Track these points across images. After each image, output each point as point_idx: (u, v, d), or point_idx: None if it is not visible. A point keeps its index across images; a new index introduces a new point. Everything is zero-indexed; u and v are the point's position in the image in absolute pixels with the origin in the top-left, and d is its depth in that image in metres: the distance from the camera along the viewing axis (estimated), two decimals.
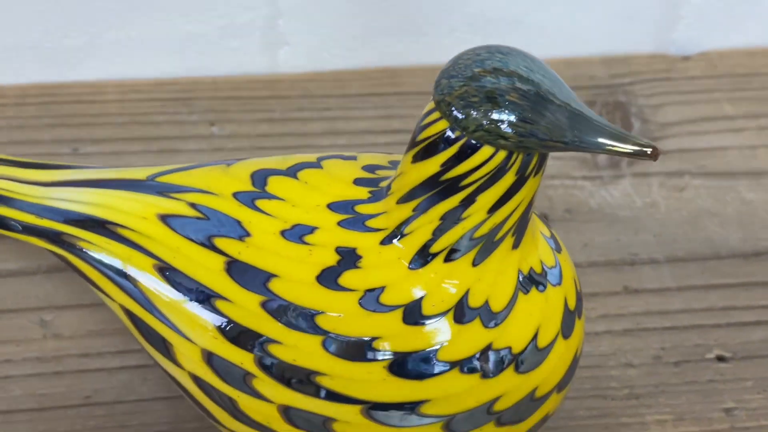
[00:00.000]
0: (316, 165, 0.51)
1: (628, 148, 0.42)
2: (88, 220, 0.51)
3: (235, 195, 0.50)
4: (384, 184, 0.49)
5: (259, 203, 0.49)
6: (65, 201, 0.52)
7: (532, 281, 0.47)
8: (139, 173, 0.53)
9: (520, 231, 0.46)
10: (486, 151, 0.43)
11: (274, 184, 0.50)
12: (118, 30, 0.68)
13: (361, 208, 0.48)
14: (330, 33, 0.70)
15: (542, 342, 0.47)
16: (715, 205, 0.66)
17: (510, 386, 0.47)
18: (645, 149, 0.42)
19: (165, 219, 0.50)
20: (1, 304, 0.59)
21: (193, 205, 0.50)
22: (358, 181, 0.50)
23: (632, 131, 0.69)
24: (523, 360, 0.47)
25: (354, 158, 0.52)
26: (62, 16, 0.67)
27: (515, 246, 0.47)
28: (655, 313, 0.60)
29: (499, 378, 0.47)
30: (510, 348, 0.47)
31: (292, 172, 0.51)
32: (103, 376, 0.57)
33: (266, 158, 0.53)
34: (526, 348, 0.47)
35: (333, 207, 0.48)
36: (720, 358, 0.59)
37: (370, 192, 0.49)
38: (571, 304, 0.49)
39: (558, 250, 0.50)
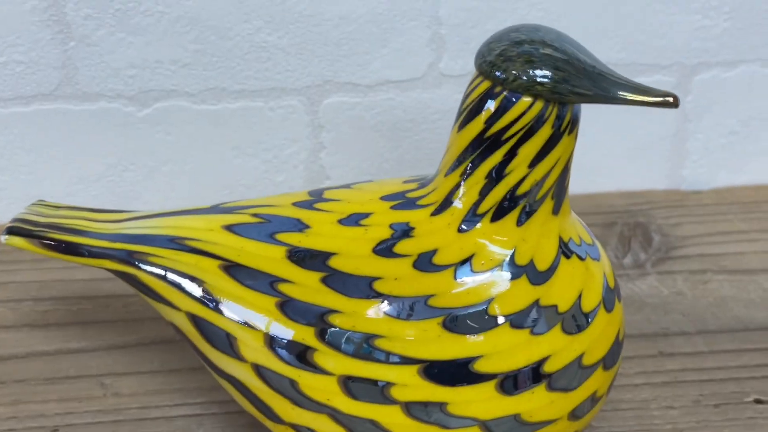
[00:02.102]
0: (368, 181, 0.56)
1: (650, 99, 0.47)
2: (158, 237, 0.55)
3: (294, 204, 0.54)
4: (430, 177, 0.53)
5: (317, 205, 0.54)
6: (136, 228, 0.56)
7: (572, 250, 0.51)
8: (205, 206, 0.57)
9: (559, 196, 0.50)
10: (524, 103, 0.48)
11: (329, 193, 0.55)
12: (174, 164, 0.75)
13: (412, 194, 0.53)
14: (368, 167, 0.76)
15: (586, 306, 0.50)
16: (739, 293, 0.69)
17: (558, 346, 0.49)
18: (666, 98, 0.47)
19: (229, 228, 0.54)
20: (63, 373, 0.62)
21: (255, 215, 0.54)
22: (407, 181, 0.54)
23: (653, 244, 0.74)
24: (568, 320, 0.50)
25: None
26: (125, 150, 0.74)
27: (555, 211, 0.51)
28: (691, 370, 0.63)
29: (547, 336, 0.49)
30: (556, 306, 0.50)
31: (345, 186, 0.56)
32: (161, 423, 0.58)
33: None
34: (570, 308, 0.50)
35: (385, 198, 0.53)
36: (758, 401, 0.60)
37: (418, 184, 0.53)
38: (611, 283, 0.52)
39: (595, 238, 0.54)
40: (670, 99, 0.47)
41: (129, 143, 0.74)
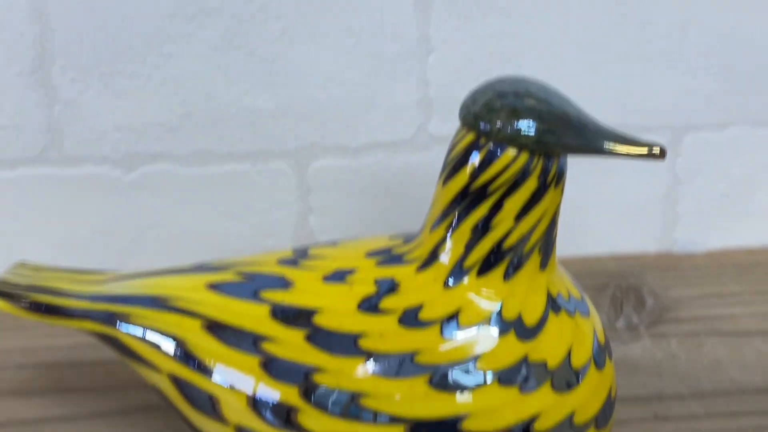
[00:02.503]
0: (353, 238, 0.55)
1: (636, 150, 0.47)
2: (140, 297, 0.54)
3: (279, 261, 0.54)
4: (416, 233, 0.52)
5: (302, 262, 0.53)
6: (118, 288, 0.55)
7: (561, 305, 0.50)
8: (190, 265, 0.56)
9: (546, 249, 0.50)
10: (509, 154, 0.48)
11: (314, 250, 0.54)
12: (161, 228, 0.74)
13: (398, 250, 0.52)
14: (357, 230, 0.75)
15: (576, 362, 0.49)
16: (734, 355, 0.68)
17: (547, 404, 0.48)
18: (653, 148, 0.47)
19: (213, 286, 0.53)
20: None
21: (239, 273, 0.53)
22: (393, 236, 0.54)
23: (646, 307, 0.73)
24: (558, 377, 0.49)
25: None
26: (110, 215, 0.73)
27: (542, 266, 0.50)
28: (687, 431, 0.61)
29: (536, 393, 0.48)
30: (545, 362, 0.48)
31: (331, 243, 0.55)
32: None
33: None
34: (560, 364, 0.49)
35: (371, 254, 0.52)
36: None
37: (404, 240, 0.53)
38: (601, 339, 0.51)
39: (584, 293, 0.53)
40: (656, 150, 0.46)
41: (115, 208, 0.73)
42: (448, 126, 0.73)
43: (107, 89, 0.69)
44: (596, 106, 0.74)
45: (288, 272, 0.52)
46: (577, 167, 0.75)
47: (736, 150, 0.77)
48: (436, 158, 0.74)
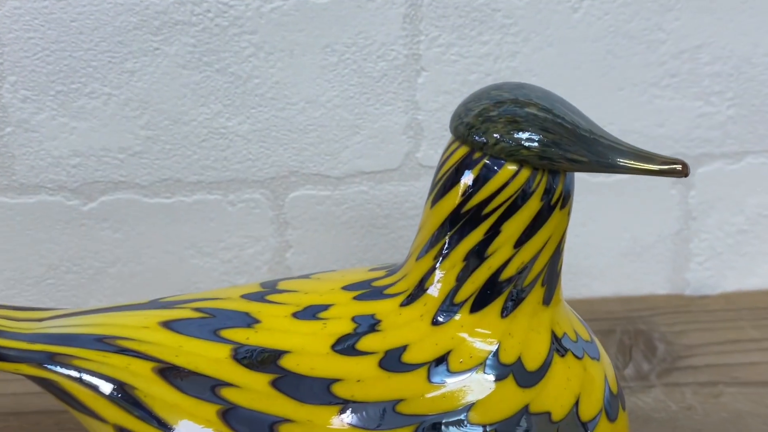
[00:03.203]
0: (330, 270, 0.49)
1: (654, 167, 0.40)
2: (84, 337, 0.47)
3: (243, 296, 0.47)
4: (400, 265, 0.46)
5: (269, 297, 0.46)
6: (60, 327, 0.48)
7: (567, 346, 0.43)
8: (143, 301, 0.50)
9: (550, 282, 0.43)
10: (508, 170, 0.41)
11: (284, 284, 0.48)
12: (123, 264, 0.67)
13: (379, 282, 0.45)
14: (341, 267, 0.69)
15: (585, 414, 0.43)
16: (756, 408, 0.61)
17: None
18: (674, 166, 0.40)
19: (167, 324, 0.46)
20: None
21: (197, 309, 0.47)
22: (374, 269, 0.47)
23: (657, 353, 0.66)
24: (564, 430, 0.42)
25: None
26: (67, 249, 0.66)
27: (546, 301, 0.43)
28: None
29: None
30: (549, 414, 0.42)
31: (304, 276, 0.48)
32: None
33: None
34: (566, 416, 0.42)
35: (348, 287, 0.46)
36: None
37: (386, 271, 0.46)
38: (613, 387, 0.45)
39: (593, 334, 0.46)
40: (678, 167, 0.40)
41: (72, 241, 0.66)
42: (439, 153, 0.67)
43: (63, 109, 0.63)
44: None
45: (253, 308, 0.46)
46: (579, 198, 0.68)
47: (753, 182, 0.71)
48: (426, 188, 0.68)
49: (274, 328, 0.44)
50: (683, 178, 0.40)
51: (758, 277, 0.73)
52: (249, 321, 0.45)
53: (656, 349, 0.67)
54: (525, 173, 0.41)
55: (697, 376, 0.64)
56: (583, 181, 0.69)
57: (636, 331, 0.68)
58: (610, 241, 0.71)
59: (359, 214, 0.68)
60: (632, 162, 0.41)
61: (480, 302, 0.42)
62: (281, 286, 0.47)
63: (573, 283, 0.71)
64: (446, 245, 0.42)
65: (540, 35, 0.65)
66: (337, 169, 0.67)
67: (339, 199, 0.67)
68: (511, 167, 0.41)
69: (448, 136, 0.66)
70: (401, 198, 0.68)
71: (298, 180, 0.67)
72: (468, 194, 0.42)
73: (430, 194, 0.43)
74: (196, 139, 0.65)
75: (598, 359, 0.44)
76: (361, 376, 0.42)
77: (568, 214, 0.43)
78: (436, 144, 0.67)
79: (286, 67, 0.64)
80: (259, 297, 0.46)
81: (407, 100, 0.66)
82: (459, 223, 0.42)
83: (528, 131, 0.41)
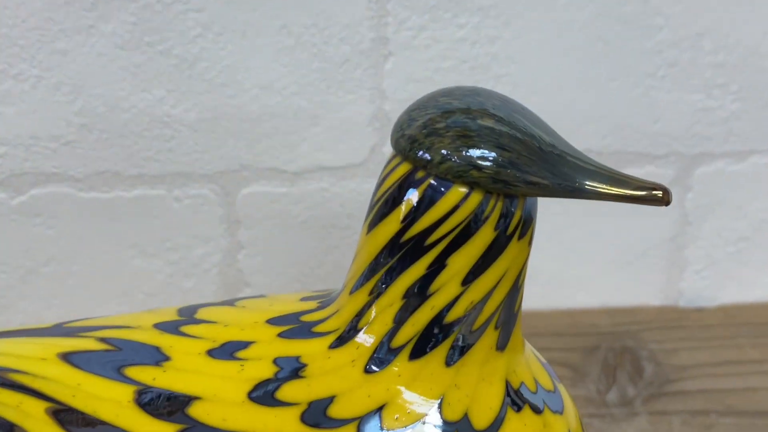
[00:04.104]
0: (259, 296, 0.42)
1: (629, 192, 0.34)
2: None
3: (156, 325, 0.41)
4: (336, 293, 0.39)
5: (184, 328, 0.40)
6: None
7: (525, 398, 0.37)
8: (46, 325, 0.43)
9: (506, 324, 0.37)
10: (456, 193, 0.35)
11: (204, 313, 0.41)
12: (57, 264, 0.61)
13: (308, 317, 0.39)
14: (297, 272, 0.62)
15: None
16: None
17: None
18: (653, 191, 0.34)
19: (67, 357, 0.40)
20: None
21: (102, 339, 0.40)
22: (306, 299, 0.41)
23: (644, 376, 0.60)
24: None
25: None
26: None
27: (500, 347, 0.37)
28: None
29: None
30: None
31: (228, 302, 0.42)
32: None
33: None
34: None
35: (273, 321, 0.39)
36: None
37: (318, 302, 0.39)
38: None
39: (557, 381, 0.40)
40: (658, 193, 0.33)
41: (3, 237, 0.60)
42: None
43: None
44: (589, 128, 0.61)
45: (165, 342, 0.39)
46: (563, 200, 0.62)
47: (758, 184, 0.64)
48: None
49: (185, 368, 0.38)
50: (665, 203, 0.34)
51: (761, 289, 0.67)
52: (158, 358, 0.39)
53: (643, 371, 0.60)
54: (476, 197, 0.34)
55: (687, 403, 0.58)
56: None
57: (622, 349, 0.62)
58: (598, 248, 0.65)
59: (319, 213, 0.61)
60: (603, 186, 0.34)
61: (421, 348, 0.36)
62: (200, 314, 0.41)
63: (555, 294, 0.65)
64: (383, 279, 0.36)
65: (523, 19, 0.58)
66: (294, 164, 0.60)
67: (297, 197, 0.61)
68: (460, 190, 0.34)
69: None
70: (366, 196, 0.61)
71: (251, 175, 0.60)
72: (409, 220, 0.35)
73: (367, 217, 0.37)
74: (137, 128, 0.58)
75: (561, 413, 0.38)
76: (281, 431, 0.35)
77: (529, 243, 0.36)
78: None
79: (238, 50, 0.57)
80: (173, 328, 0.40)
81: (373, 89, 0.59)
82: (398, 253, 0.35)
83: (480, 148, 0.34)
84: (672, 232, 0.65)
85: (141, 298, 0.62)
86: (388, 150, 0.60)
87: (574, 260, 0.65)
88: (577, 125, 0.61)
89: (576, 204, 0.63)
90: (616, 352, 0.61)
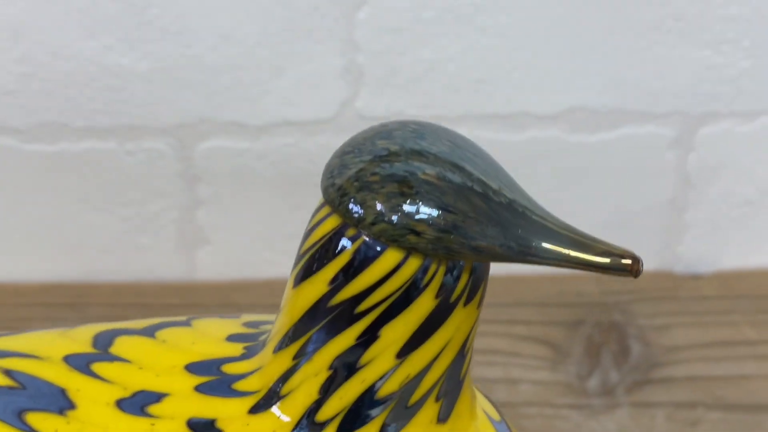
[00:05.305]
0: (184, 324, 0.38)
1: (597, 259, 0.29)
2: None
3: (66, 359, 0.36)
4: (265, 336, 0.35)
5: (95, 367, 0.35)
6: None
7: None
8: None
9: (449, 395, 0.32)
10: (391, 256, 0.30)
11: (121, 345, 0.36)
12: (1, 218, 0.56)
13: (229, 368, 0.34)
14: (262, 228, 0.58)
15: None
16: None
17: None
18: (621, 260, 0.29)
19: None
20: None
21: (7, 372, 0.36)
22: (232, 338, 0.36)
23: (630, 357, 0.55)
24: None
25: (237, 316, 0.38)
26: None
27: (442, 419, 0.32)
28: None
29: None
30: None
31: (149, 331, 0.37)
32: None
33: (124, 321, 0.39)
34: None
35: (192, 368, 0.35)
36: None
37: (245, 348, 0.35)
38: None
39: None
40: (626, 262, 0.29)
41: None
42: (382, 103, 0.56)
43: None
44: (585, 85, 0.56)
45: (72, 383, 0.35)
46: (554, 160, 0.57)
47: (766, 146, 0.58)
48: None
49: (90, 422, 0.34)
50: (633, 274, 0.29)
51: (763, 255, 0.62)
52: (63, 404, 0.34)
53: (630, 352, 0.56)
54: (414, 263, 0.30)
55: (673, 394, 0.54)
56: (558, 141, 0.57)
57: (609, 325, 0.57)
58: (591, 210, 0.60)
59: (285, 169, 0.57)
60: (562, 250, 0.29)
61: (350, 423, 0.31)
62: (116, 346, 0.36)
63: None
64: (309, 344, 0.31)
65: None
66: (257, 118, 0.55)
67: (260, 152, 0.56)
68: (396, 255, 0.30)
69: (394, 84, 0.55)
70: None
71: (210, 129, 0.55)
72: (337, 284, 0.30)
73: (294, 267, 0.32)
74: (83, 77, 0.53)
75: None
76: None
77: (478, 306, 0.31)
78: (379, 92, 0.55)
79: None
80: (84, 364, 0.36)
81: (344, 39, 0.54)
82: (324, 319, 0.31)
83: (420, 209, 0.29)
84: (671, 194, 0.60)
85: (93, 254, 0.58)
86: (360, 105, 0.55)
87: (563, 217, 0.60)
88: (571, 81, 0.56)
89: (568, 164, 0.58)
90: (602, 327, 0.57)
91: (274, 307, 0.57)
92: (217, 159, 0.56)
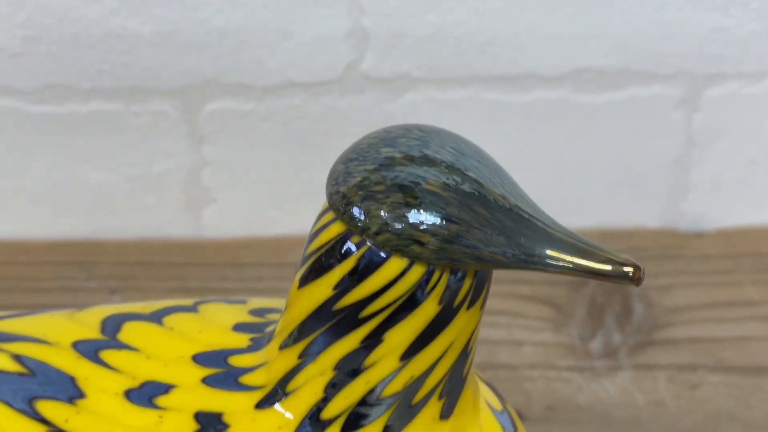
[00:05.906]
0: (191, 309, 0.38)
1: (599, 267, 0.29)
2: None
3: (75, 345, 0.37)
4: (271, 328, 0.35)
5: (104, 355, 0.36)
6: None
7: None
8: None
9: (451, 393, 0.33)
10: (395, 264, 0.30)
11: (129, 331, 0.37)
12: (8, 178, 0.57)
13: (236, 360, 0.35)
14: (268, 189, 0.58)
15: None
16: (737, 407, 0.52)
17: None
18: (623, 267, 0.29)
19: None
20: None
21: (17, 358, 0.37)
22: (239, 327, 0.36)
23: (632, 319, 0.56)
24: None
25: (243, 302, 0.39)
26: None
27: (444, 416, 0.33)
28: None
29: None
30: None
31: (156, 317, 0.38)
32: None
33: (131, 303, 0.40)
34: None
35: (199, 359, 0.35)
36: None
37: (251, 340, 0.35)
38: None
39: (513, 431, 0.36)
40: (628, 270, 0.29)
41: None
42: (388, 65, 0.55)
43: None
44: (590, 45, 0.56)
45: (81, 371, 0.36)
46: (559, 119, 0.57)
47: None
48: (373, 104, 0.56)
49: (99, 412, 0.34)
50: (636, 282, 0.29)
51: (766, 213, 0.62)
52: (72, 393, 0.35)
53: (632, 312, 0.56)
54: (418, 271, 0.30)
55: (675, 356, 0.54)
56: (565, 102, 0.57)
57: (613, 285, 0.58)
58: (595, 169, 0.60)
59: (291, 130, 0.57)
60: (566, 257, 0.30)
61: (354, 422, 0.32)
62: (124, 333, 0.37)
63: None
64: (314, 344, 0.32)
65: None
66: (263, 80, 0.55)
67: (265, 114, 0.56)
68: (400, 263, 0.30)
69: (400, 46, 0.54)
70: (342, 114, 0.56)
71: (216, 91, 0.55)
72: (342, 289, 0.31)
73: (299, 268, 0.32)
74: (89, 40, 0.53)
75: None
76: None
77: (481, 308, 0.32)
78: (385, 54, 0.55)
79: None
80: (92, 351, 0.36)
81: (350, 2, 0.53)
82: (329, 322, 0.31)
83: (424, 220, 0.29)
84: (677, 153, 0.60)
85: (100, 214, 0.58)
86: (366, 67, 0.55)
87: (570, 183, 0.60)
88: (577, 42, 0.55)
89: (573, 123, 0.58)
90: (605, 288, 0.57)
91: (279, 266, 0.58)
92: (222, 120, 0.56)
